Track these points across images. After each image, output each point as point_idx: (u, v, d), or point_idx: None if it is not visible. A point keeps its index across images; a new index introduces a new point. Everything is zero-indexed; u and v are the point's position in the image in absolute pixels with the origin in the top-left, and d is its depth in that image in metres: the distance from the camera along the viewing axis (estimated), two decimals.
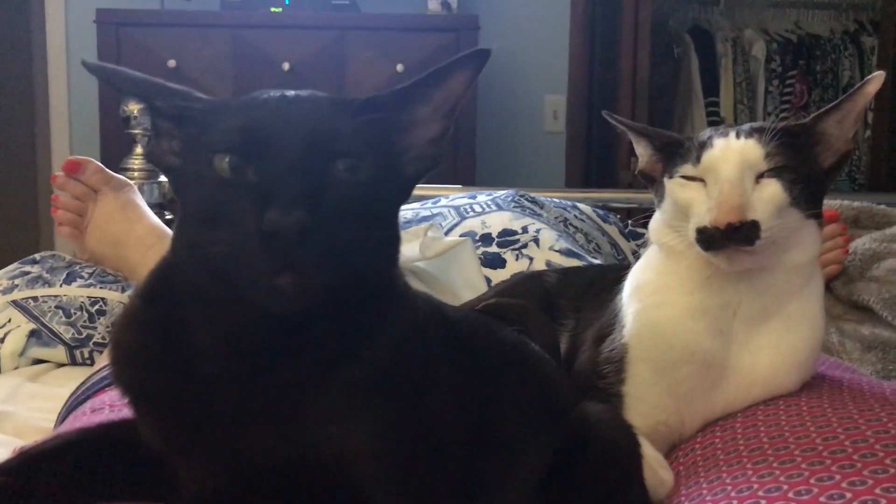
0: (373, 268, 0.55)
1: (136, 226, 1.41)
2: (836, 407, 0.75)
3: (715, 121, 3.17)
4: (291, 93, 0.57)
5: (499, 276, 1.28)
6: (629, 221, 1.73)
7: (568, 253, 1.35)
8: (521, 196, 1.58)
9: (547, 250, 1.36)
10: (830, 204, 1.73)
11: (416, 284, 1.24)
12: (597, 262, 1.39)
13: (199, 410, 0.54)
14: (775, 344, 0.81)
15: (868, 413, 0.71)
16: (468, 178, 2.91)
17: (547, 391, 0.73)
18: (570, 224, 1.56)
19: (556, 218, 1.55)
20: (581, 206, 1.69)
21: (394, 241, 0.58)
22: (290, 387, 0.53)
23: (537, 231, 1.40)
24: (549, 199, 1.66)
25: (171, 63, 2.87)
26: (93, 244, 1.45)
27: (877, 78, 0.80)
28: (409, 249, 1.22)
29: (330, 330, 0.54)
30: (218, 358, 0.54)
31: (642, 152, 0.90)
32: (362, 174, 0.53)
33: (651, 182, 0.89)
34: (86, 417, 0.82)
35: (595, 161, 3.04)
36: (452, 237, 1.31)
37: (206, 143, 0.53)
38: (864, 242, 1.59)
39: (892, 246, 1.55)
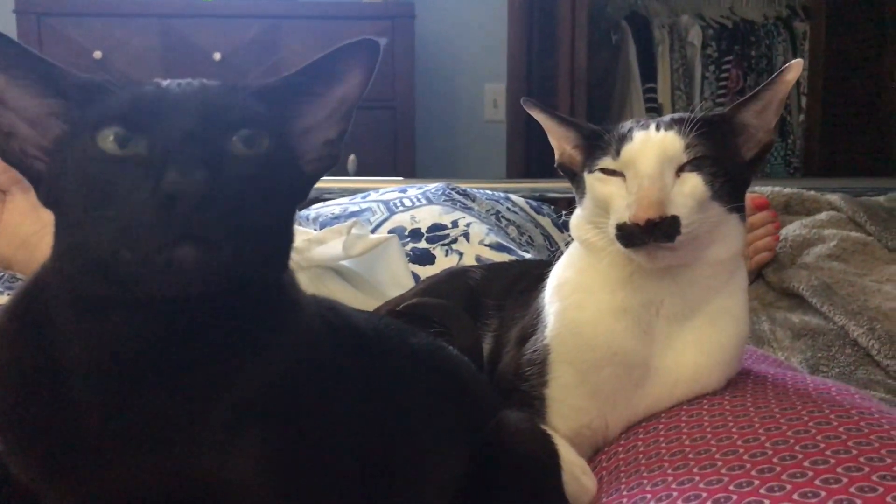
0: (272, 257, 0.51)
1: (49, 227, 1.33)
2: (758, 406, 0.73)
3: (653, 107, 3.18)
4: (183, 80, 0.53)
5: (428, 272, 1.25)
6: (563, 212, 1.70)
7: (498, 247, 1.32)
8: (452, 189, 1.54)
9: (477, 245, 1.33)
10: (762, 190, 1.73)
11: (340, 284, 1.21)
12: (528, 255, 1.37)
13: (68, 439, 0.49)
14: (699, 342, 0.79)
15: (790, 412, 0.70)
16: (408, 168, 2.87)
17: (462, 401, 0.70)
18: (503, 217, 1.53)
19: (487, 211, 1.52)
20: (514, 197, 1.67)
21: (288, 242, 0.54)
22: (168, 410, 0.49)
23: (468, 225, 1.37)
24: (480, 191, 1.63)
25: (97, 55, 2.77)
26: (2, 247, 1.37)
27: (795, 66, 0.78)
28: (333, 248, 1.17)
29: (211, 345, 0.50)
30: (89, 378, 0.49)
31: (561, 146, 0.87)
32: (260, 148, 0.50)
33: (571, 177, 0.86)
34: None
35: (536, 150, 3.02)
36: (378, 234, 1.27)
37: (88, 120, 0.49)
38: (794, 229, 1.60)
39: (822, 232, 1.56)
